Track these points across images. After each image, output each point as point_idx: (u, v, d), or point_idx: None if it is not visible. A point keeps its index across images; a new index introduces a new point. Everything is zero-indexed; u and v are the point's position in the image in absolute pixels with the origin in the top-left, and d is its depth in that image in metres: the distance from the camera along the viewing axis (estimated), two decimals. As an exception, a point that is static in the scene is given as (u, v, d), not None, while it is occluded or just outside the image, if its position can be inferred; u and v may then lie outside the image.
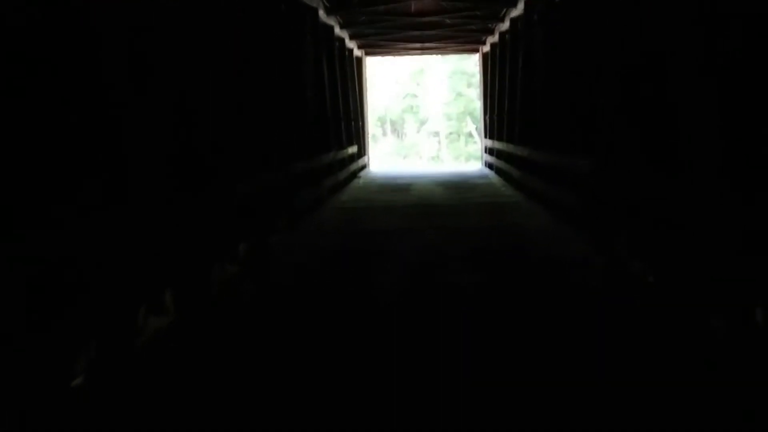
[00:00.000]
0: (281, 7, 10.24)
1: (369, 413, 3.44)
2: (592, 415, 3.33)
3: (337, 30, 16.44)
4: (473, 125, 37.92)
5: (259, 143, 8.25)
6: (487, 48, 20.31)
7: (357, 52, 20.78)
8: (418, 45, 20.41)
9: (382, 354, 4.23)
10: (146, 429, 3.37)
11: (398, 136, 42.69)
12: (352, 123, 18.42)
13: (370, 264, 6.88)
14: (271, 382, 3.84)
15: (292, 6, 11.04)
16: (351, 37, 18.79)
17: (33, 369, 3.46)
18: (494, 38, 18.28)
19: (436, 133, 41.74)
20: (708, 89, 4.97)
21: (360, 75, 21.49)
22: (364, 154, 20.51)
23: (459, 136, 41.22)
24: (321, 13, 14.10)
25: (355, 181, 16.75)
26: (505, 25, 15.98)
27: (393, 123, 42.48)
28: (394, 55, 23.74)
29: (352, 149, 17.34)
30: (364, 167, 19.97)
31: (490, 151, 19.17)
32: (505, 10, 15.48)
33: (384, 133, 41.95)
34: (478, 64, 23.09)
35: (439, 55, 30.12)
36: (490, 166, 18.97)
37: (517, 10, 14.05)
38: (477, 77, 25.35)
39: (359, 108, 20.52)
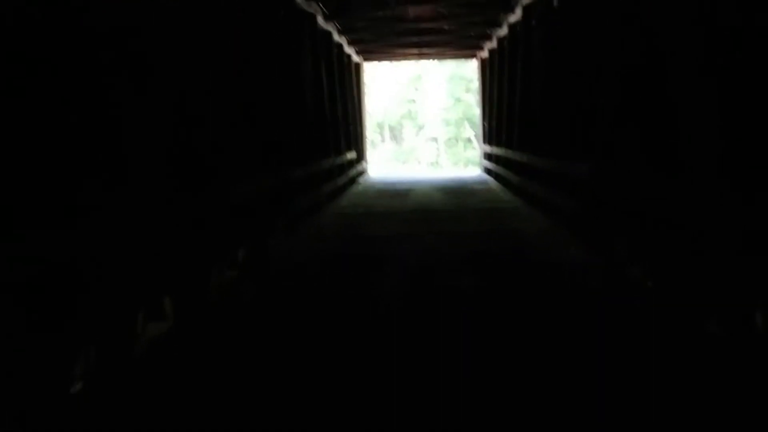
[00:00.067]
0: (280, 13, 10.25)
1: (369, 416, 3.43)
2: (591, 419, 3.33)
3: (336, 36, 16.46)
4: (472, 131, 37.94)
5: (257, 148, 8.25)
6: (485, 53, 20.33)
7: (355, 58, 20.81)
8: (416, 50, 20.43)
9: (381, 356, 4.22)
10: (145, 434, 3.37)
11: (397, 141, 42.70)
12: (351, 128, 18.43)
13: (370, 268, 6.87)
14: (270, 389, 3.83)
15: (291, 12, 11.05)
16: (349, 43, 18.81)
17: (32, 375, 3.45)
18: (493, 44, 18.30)
19: (435, 139, 41.74)
20: (708, 90, 4.96)
21: (358, 80, 21.52)
22: (363, 160, 20.52)
23: (458, 141, 41.22)
24: (319, 19, 14.12)
25: (354, 186, 16.75)
26: (504, 31, 16.01)
27: (392, 128, 42.50)
28: (392, 60, 23.79)
29: (351, 155, 17.34)
30: (362, 173, 19.97)
31: (488, 156, 19.18)
32: (503, 15, 15.50)
33: (383, 139, 41.97)
34: (476, 69, 23.12)
35: (438, 61, 30.14)
36: (488, 171, 18.98)
37: (516, 16, 14.07)
38: (475, 82, 25.38)
39: (358, 113, 20.53)
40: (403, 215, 11.12)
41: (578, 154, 8.35)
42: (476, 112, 26.66)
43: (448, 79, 39.67)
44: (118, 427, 3.43)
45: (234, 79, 7.54)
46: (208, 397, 3.71)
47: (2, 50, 3.70)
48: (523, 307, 5.32)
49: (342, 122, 16.52)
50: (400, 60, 23.91)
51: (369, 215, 11.32)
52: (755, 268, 4.08)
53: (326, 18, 14.90)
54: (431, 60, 27.17)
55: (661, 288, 5.42)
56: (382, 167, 31.82)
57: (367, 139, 22.55)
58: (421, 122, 42.09)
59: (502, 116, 16.14)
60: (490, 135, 19.15)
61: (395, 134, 42.72)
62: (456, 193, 14.68)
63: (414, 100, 41.85)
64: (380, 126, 41.35)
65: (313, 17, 13.37)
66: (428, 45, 19.57)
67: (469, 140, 39.60)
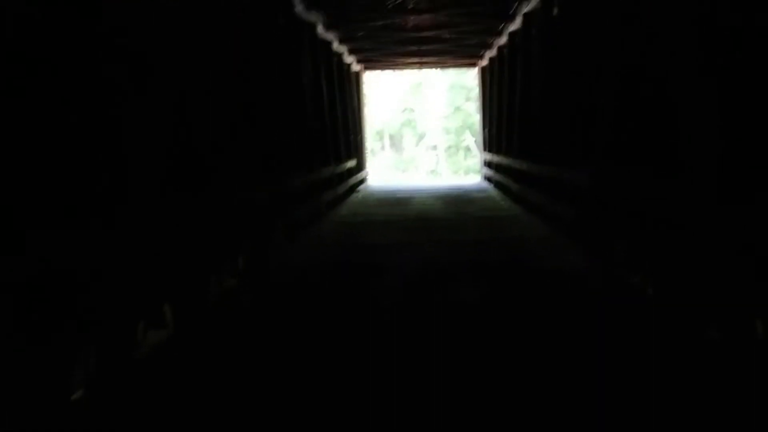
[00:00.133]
0: (279, 22, 10.28)
1: (369, 422, 3.43)
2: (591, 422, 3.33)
3: (336, 45, 16.50)
4: (472, 139, 37.98)
5: (257, 155, 8.26)
6: (485, 62, 20.38)
7: (355, 67, 20.85)
8: (416, 59, 20.47)
9: (380, 364, 4.22)
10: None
11: (397, 149, 42.73)
12: (351, 137, 18.45)
13: (370, 275, 6.88)
14: (270, 396, 3.82)
15: (291, 20, 11.08)
16: (350, 52, 18.85)
17: (33, 383, 3.44)
18: (492, 52, 18.35)
19: (435, 147, 41.78)
20: (708, 94, 4.96)
21: (358, 89, 21.55)
22: (363, 168, 20.54)
23: (458, 149, 41.25)
24: (319, 27, 14.16)
25: (354, 195, 16.76)
26: (504, 40, 16.05)
27: (391, 137, 42.54)
28: (392, 69, 23.81)
29: (351, 163, 17.36)
30: (362, 181, 19.98)
31: (488, 164, 19.20)
32: (503, 24, 15.54)
33: (382, 147, 42.00)
34: (476, 77, 23.16)
35: (438, 69, 30.19)
36: (488, 179, 18.99)
37: (516, 24, 14.12)
38: (476, 91, 25.42)
39: (358, 122, 20.56)
40: (404, 224, 11.12)
41: (578, 160, 8.36)
42: (476, 120, 26.72)
43: (448, 87, 39.74)
44: (118, 435, 3.43)
45: (233, 84, 7.55)
46: (208, 404, 3.70)
47: (2, 50, 3.71)
48: (522, 316, 5.31)
49: (342, 131, 16.54)
50: (400, 69, 23.94)
51: (369, 224, 11.33)
52: (755, 274, 4.08)
53: (326, 27, 14.94)
54: (432, 69, 27.19)
55: (661, 295, 5.42)
56: (382, 175, 31.84)
57: (367, 148, 22.56)
58: (421, 131, 42.14)
59: (502, 124, 16.17)
60: (490, 143, 19.18)
61: (395, 143, 42.76)
62: (456, 202, 14.69)
63: (414, 109, 41.90)
64: (380, 134, 41.39)
65: (313, 26, 13.41)
66: (428, 54, 19.60)
67: (469, 148, 39.63)
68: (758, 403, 3.48)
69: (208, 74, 6.66)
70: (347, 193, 16.07)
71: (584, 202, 7.85)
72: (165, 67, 5.64)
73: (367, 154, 22.36)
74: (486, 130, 20.39)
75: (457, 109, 39.82)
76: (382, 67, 22.96)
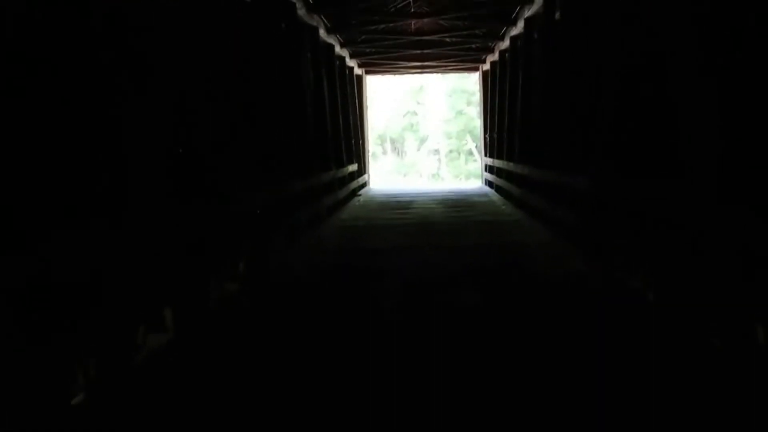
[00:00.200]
0: (281, 26, 10.29)
1: (369, 423, 3.42)
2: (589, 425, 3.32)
3: (338, 49, 16.52)
4: (473, 143, 38.00)
5: (258, 158, 8.26)
6: (486, 66, 20.39)
7: (357, 71, 20.87)
8: (418, 64, 20.50)
9: (381, 365, 4.21)
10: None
11: (398, 154, 42.77)
12: (352, 141, 18.46)
13: (370, 278, 6.87)
14: (270, 400, 3.82)
15: (293, 24, 11.09)
16: (351, 56, 18.88)
17: (33, 387, 3.44)
18: (494, 56, 18.36)
19: (436, 151, 41.82)
20: (708, 94, 4.96)
21: (360, 93, 21.56)
22: (364, 173, 20.54)
23: (459, 154, 41.30)
24: (321, 31, 14.18)
25: (355, 199, 16.75)
26: (505, 44, 16.06)
27: (393, 141, 42.58)
28: (394, 73, 23.84)
29: (352, 167, 17.36)
30: (364, 185, 19.99)
31: (490, 169, 19.20)
32: (505, 28, 15.56)
33: (384, 151, 42.04)
34: (478, 82, 23.17)
35: (439, 74, 30.21)
36: (490, 184, 18.99)
37: (517, 29, 14.13)
38: (477, 95, 25.43)
39: (359, 126, 20.57)
40: (404, 228, 11.11)
41: (578, 162, 8.35)
42: (477, 124, 26.72)
43: (449, 92, 39.79)
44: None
45: (234, 86, 7.55)
46: (208, 408, 3.70)
47: (2, 50, 3.71)
48: (522, 319, 5.30)
49: (343, 135, 16.55)
50: (402, 73, 23.96)
51: (370, 228, 11.32)
52: (757, 279, 4.07)
53: (328, 31, 14.96)
54: (433, 73, 27.21)
55: (661, 299, 5.41)
56: (384, 180, 31.86)
57: (368, 152, 22.57)
58: (422, 135, 42.18)
59: (503, 128, 16.17)
60: (492, 147, 19.18)
61: (397, 147, 42.80)
62: (457, 206, 14.68)
63: (415, 113, 41.96)
64: (382, 138, 41.44)
65: (315, 30, 13.42)
66: (430, 58, 19.64)
67: (470, 153, 39.66)
68: (759, 408, 3.47)
69: (208, 76, 6.66)
70: (348, 197, 16.07)
71: (584, 204, 7.85)
72: (165, 68, 5.64)
73: (368, 158, 22.37)
74: (487, 134, 20.39)
75: (459, 113, 39.87)
76: (384, 71, 22.98)
